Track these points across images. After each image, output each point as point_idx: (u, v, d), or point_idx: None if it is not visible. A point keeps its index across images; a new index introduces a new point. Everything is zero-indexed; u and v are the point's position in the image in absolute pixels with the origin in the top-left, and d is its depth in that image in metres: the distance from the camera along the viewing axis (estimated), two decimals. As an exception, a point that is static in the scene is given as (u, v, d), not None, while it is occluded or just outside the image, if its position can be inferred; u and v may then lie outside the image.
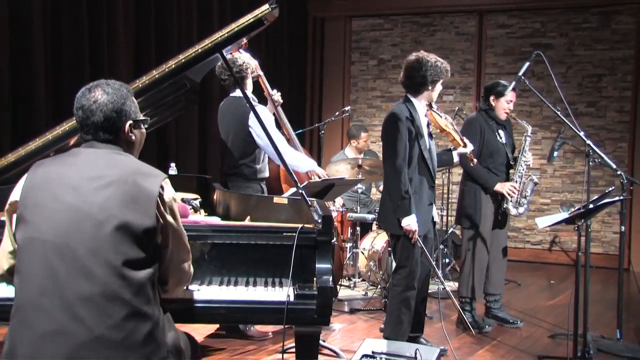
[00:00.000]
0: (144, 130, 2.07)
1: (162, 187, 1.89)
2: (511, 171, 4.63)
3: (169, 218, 1.91)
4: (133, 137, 2.00)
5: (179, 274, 2.03)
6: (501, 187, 4.48)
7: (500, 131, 4.54)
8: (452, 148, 4.02)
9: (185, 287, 2.16)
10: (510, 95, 4.50)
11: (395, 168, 3.65)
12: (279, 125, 4.39)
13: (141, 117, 2.04)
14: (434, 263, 3.87)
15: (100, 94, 1.94)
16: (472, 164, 4.11)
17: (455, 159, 4.07)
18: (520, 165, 4.54)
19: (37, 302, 1.77)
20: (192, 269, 2.09)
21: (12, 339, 1.80)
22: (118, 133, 1.96)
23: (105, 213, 1.80)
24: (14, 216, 1.89)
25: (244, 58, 4.01)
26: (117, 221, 1.80)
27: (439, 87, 3.77)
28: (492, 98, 4.53)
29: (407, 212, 3.60)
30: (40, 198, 1.84)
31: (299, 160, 4.01)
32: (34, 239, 1.81)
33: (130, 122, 1.98)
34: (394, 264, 3.87)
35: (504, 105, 4.51)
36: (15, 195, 1.90)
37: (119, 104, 1.95)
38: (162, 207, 1.88)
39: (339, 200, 5.88)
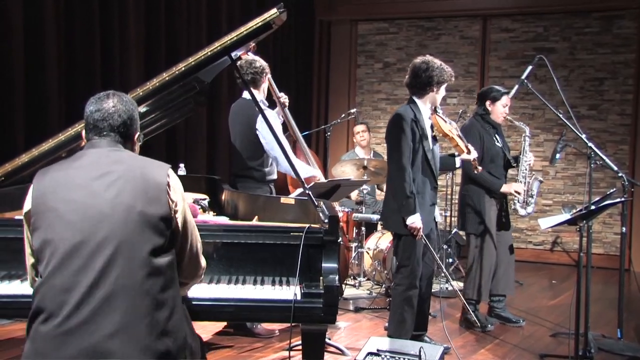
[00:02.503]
0: (139, 146, 2.17)
1: (168, 176, 1.96)
2: (512, 173, 4.69)
3: (180, 204, 1.97)
4: (136, 148, 2.12)
5: (195, 261, 2.08)
6: (508, 187, 4.52)
7: (497, 135, 4.60)
8: (455, 154, 4.08)
9: (200, 279, 2.19)
10: (505, 99, 4.56)
11: (399, 168, 3.70)
12: (286, 127, 4.45)
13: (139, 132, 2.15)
14: (432, 265, 3.91)
15: (118, 101, 2.04)
16: (476, 172, 4.14)
17: (458, 164, 4.12)
18: (523, 166, 4.60)
19: (60, 299, 1.80)
20: (204, 261, 2.14)
21: (34, 339, 1.82)
22: (127, 139, 2.05)
23: (119, 206, 1.85)
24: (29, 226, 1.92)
25: (262, 61, 4.07)
26: (133, 213, 1.85)
27: (442, 90, 3.83)
28: (488, 103, 4.58)
29: (411, 211, 3.66)
30: (51, 202, 1.87)
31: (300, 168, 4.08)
32: (50, 241, 1.84)
33: (139, 132, 2.09)
34: (394, 263, 3.92)
35: (501, 109, 4.57)
36: (27, 205, 1.94)
37: (133, 114, 2.06)
38: (171, 194, 1.94)
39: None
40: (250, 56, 3.99)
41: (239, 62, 3.94)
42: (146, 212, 1.87)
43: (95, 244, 1.83)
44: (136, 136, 2.08)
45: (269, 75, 4.20)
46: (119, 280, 1.81)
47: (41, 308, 1.84)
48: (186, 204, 2.02)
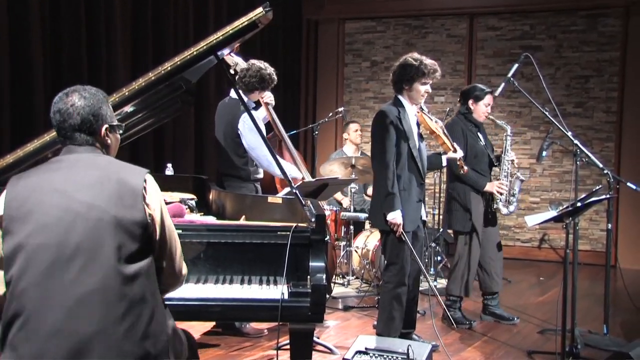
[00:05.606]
0: (118, 136, 2.11)
1: (145, 181, 1.93)
2: (496, 170, 4.72)
3: (156, 210, 1.93)
4: (109, 141, 2.04)
5: (175, 268, 2.04)
6: (491, 186, 4.56)
7: (479, 133, 4.63)
8: (442, 152, 4.10)
9: (181, 285, 2.15)
10: (488, 98, 4.59)
11: (382, 165, 3.72)
12: (271, 127, 4.44)
13: (116, 122, 2.08)
14: (421, 261, 3.92)
15: (77, 98, 1.97)
16: (462, 171, 4.15)
17: (444, 163, 4.14)
18: (505, 165, 4.63)
19: (36, 305, 1.79)
20: (185, 267, 2.10)
21: (13, 346, 1.81)
22: (95, 135, 2.00)
23: (94, 210, 1.84)
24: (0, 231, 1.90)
25: (274, 76, 4.07)
26: (107, 217, 1.83)
27: (419, 87, 3.77)
28: (470, 102, 4.61)
29: (392, 208, 3.67)
30: (26, 207, 1.85)
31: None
32: (23, 246, 1.83)
33: (106, 125, 2.02)
34: (382, 261, 3.93)
35: (483, 108, 4.60)
36: None
37: (96, 108, 1.98)
38: (148, 200, 1.91)
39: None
40: (259, 63, 4.00)
41: (251, 64, 3.98)
42: (121, 216, 1.85)
43: (69, 248, 1.82)
44: (103, 129, 2.01)
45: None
46: (94, 285, 1.80)
47: (17, 313, 1.82)
48: (164, 210, 1.99)
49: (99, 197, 1.86)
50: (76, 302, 1.79)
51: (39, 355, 1.78)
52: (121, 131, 2.13)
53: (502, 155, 4.66)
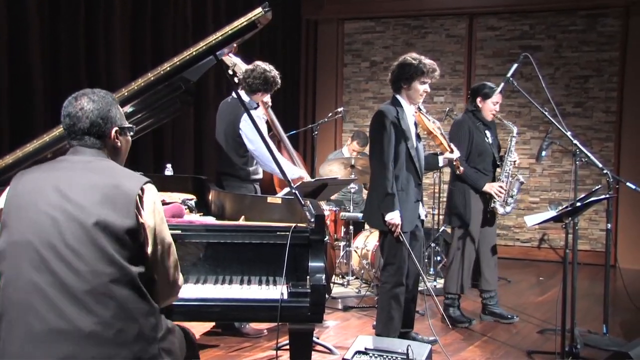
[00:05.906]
0: (129, 138, 2.12)
1: (142, 190, 1.92)
2: (498, 170, 4.73)
3: (150, 219, 1.92)
4: (119, 143, 2.05)
5: (169, 279, 2.01)
6: (489, 187, 4.57)
7: (487, 132, 4.64)
8: (439, 152, 4.11)
9: (176, 298, 2.12)
10: (496, 97, 4.59)
11: (381, 165, 3.72)
12: (270, 127, 4.44)
13: (127, 124, 2.09)
14: (419, 262, 3.92)
15: (86, 102, 1.99)
16: (458, 172, 4.17)
17: (441, 163, 4.15)
18: (507, 165, 4.63)
19: (25, 302, 1.80)
20: (181, 278, 2.08)
21: (4, 348, 1.81)
22: (104, 138, 2.01)
23: (86, 213, 1.84)
24: None
25: (277, 79, 4.06)
26: (97, 219, 1.83)
27: (418, 86, 3.78)
28: (478, 100, 4.62)
29: (390, 208, 3.67)
30: (23, 202, 1.88)
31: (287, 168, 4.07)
32: (16, 242, 1.84)
33: (116, 128, 2.03)
34: (382, 261, 3.93)
35: (491, 106, 4.60)
36: (0, 204, 1.94)
37: (105, 111, 2.00)
38: (141, 208, 1.90)
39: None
40: (264, 65, 4.00)
41: (256, 65, 3.98)
42: (110, 220, 1.85)
43: (58, 247, 1.82)
44: (113, 132, 2.02)
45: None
46: (83, 286, 1.80)
47: (6, 311, 1.83)
48: (160, 221, 1.96)
49: (92, 199, 1.87)
50: (64, 303, 1.79)
51: (27, 354, 1.78)
52: (132, 133, 2.13)
53: (506, 155, 4.67)
